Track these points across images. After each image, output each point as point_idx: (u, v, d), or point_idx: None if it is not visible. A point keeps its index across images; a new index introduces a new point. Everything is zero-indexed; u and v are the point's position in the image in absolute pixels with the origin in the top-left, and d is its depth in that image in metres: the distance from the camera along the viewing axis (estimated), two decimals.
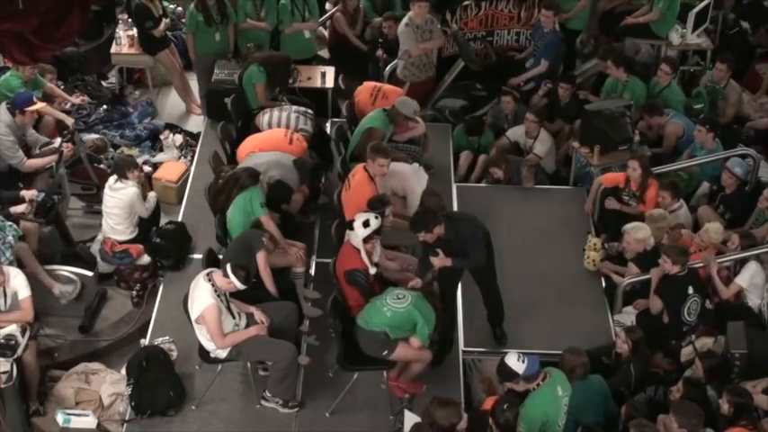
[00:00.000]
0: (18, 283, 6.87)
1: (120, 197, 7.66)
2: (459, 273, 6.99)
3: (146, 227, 7.92)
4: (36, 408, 6.97)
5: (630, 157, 8.17)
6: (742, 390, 6.25)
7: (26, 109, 8.12)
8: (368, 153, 7.44)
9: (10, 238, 7.21)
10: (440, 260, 6.67)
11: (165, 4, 10.52)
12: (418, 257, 7.38)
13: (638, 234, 7.51)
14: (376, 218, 6.75)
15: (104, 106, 10.03)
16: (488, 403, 5.93)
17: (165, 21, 9.93)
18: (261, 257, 6.77)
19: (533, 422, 5.79)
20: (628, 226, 7.61)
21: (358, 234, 6.66)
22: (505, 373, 5.89)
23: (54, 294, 7.40)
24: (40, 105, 8.28)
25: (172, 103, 10.56)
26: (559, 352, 6.56)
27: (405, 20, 9.45)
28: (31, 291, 6.92)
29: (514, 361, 5.85)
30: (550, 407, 5.85)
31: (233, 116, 8.75)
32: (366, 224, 6.66)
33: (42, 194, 7.65)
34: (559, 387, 5.94)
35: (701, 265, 7.42)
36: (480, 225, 6.86)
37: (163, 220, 8.24)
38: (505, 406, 5.70)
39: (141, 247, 7.78)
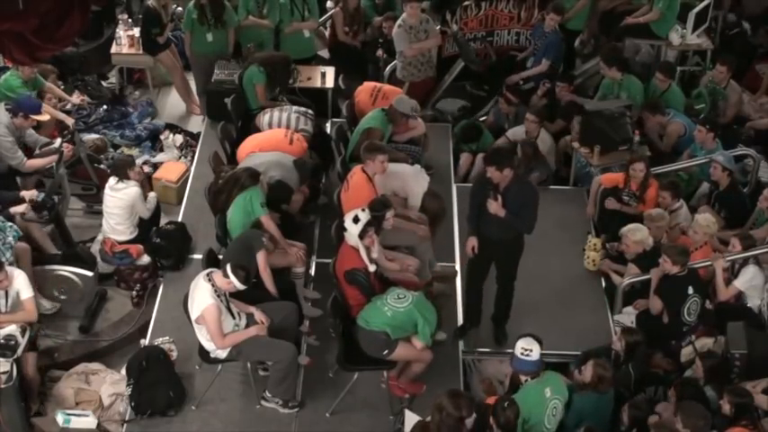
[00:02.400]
0: (20, 283, 6.87)
1: (121, 197, 7.66)
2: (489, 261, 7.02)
3: (146, 227, 7.92)
4: (37, 409, 6.96)
5: (635, 159, 8.15)
6: (742, 390, 6.25)
7: (32, 116, 8.12)
8: (363, 154, 7.43)
9: (10, 238, 7.21)
10: (496, 206, 6.56)
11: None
12: (419, 258, 7.40)
13: (635, 236, 7.52)
14: (363, 210, 6.74)
15: (104, 106, 10.04)
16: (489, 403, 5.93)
17: (169, 25, 9.94)
18: (261, 258, 6.77)
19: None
20: (626, 228, 7.61)
21: (352, 233, 6.66)
22: (515, 353, 6.04)
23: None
24: (45, 117, 8.29)
25: (172, 103, 10.57)
26: (559, 352, 6.58)
27: (398, 21, 9.45)
28: (33, 291, 6.94)
29: (521, 346, 5.97)
30: (534, 405, 5.88)
31: (233, 116, 8.75)
32: (356, 220, 6.65)
33: (42, 195, 7.64)
34: (549, 388, 5.95)
35: (702, 265, 7.42)
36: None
37: (163, 221, 8.24)
38: (506, 404, 5.71)
39: (141, 247, 7.78)
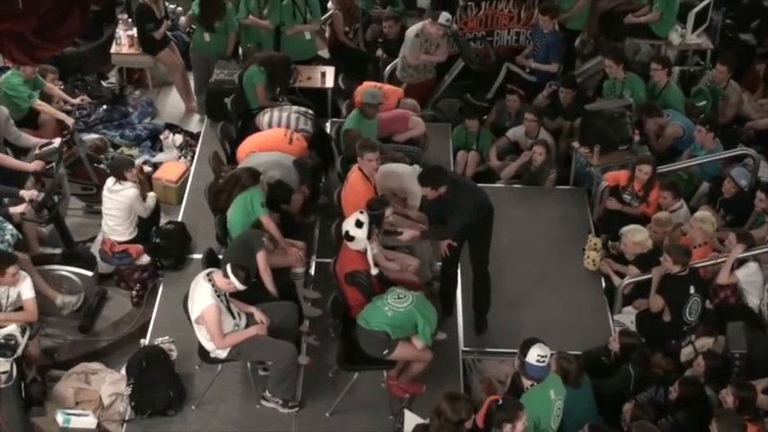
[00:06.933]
0: (24, 284, 6.90)
1: (119, 199, 7.64)
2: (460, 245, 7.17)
3: (146, 227, 7.92)
4: (33, 376, 6.94)
5: (643, 161, 8.14)
6: (747, 384, 6.26)
7: None
8: (357, 152, 7.45)
9: (8, 236, 7.22)
10: (408, 233, 7.03)
11: (166, 4, 10.54)
12: (418, 258, 7.40)
13: (635, 237, 7.53)
14: (361, 212, 6.74)
15: (104, 106, 10.05)
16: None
17: (166, 22, 9.95)
18: (261, 257, 6.77)
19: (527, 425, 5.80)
20: (626, 228, 7.62)
21: (359, 237, 6.65)
22: (522, 348, 5.97)
23: (56, 305, 7.42)
24: None
25: (172, 103, 10.57)
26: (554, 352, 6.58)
27: (416, 29, 9.44)
28: (35, 292, 6.95)
29: (536, 353, 5.87)
30: (541, 409, 5.85)
31: (233, 116, 8.75)
32: (359, 224, 6.65)
33: (42, 194, 7.64)
34: (552, 390, 5.93)
35: (702, 264, 7.43)
36: (481, 199, 6.95)
37: (163, 220, 8.24)
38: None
39: (141, 247, 7.77)
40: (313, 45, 10.24)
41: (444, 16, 9.32)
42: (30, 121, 8.84)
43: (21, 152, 8.47)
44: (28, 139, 8.48)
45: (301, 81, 9.50)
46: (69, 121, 8.78)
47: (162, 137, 9.76)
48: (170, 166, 9.16)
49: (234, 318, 6.46)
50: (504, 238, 7.81)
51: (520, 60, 10.02)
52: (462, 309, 7.56)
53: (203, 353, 6.63)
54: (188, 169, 9.13)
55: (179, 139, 9.70)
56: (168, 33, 10.14)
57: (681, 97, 9.39)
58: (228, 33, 9.76)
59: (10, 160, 8.24)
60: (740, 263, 7.49)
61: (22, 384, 6.69)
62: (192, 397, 6.88)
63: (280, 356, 6.52)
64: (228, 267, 6.27)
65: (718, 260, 7.49)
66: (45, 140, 8.49)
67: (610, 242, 8.01)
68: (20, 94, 8.69)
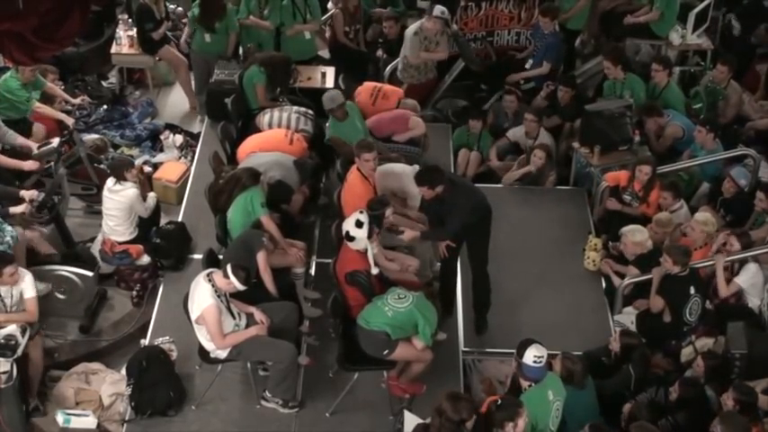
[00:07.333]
0: (26, 283, 6.90)
1: (119, 199, 7.64)
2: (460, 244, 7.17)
3: (146, 227, 7.92)
4: (35, 404, 6.96)
5: (643, 161, 8.14)
6: (748, 388, 6.25)
7: None
8: (354, 152, 7.45)
9: (8, 238, 7.22)
10: (408, 234, 7.10)
11: (166, 4, 10.53)
12: (419, 258, 7.41)
13: (635, 237, 7.53)
14: (361, 212, 6.74)
15: (105, 106, 10.05)
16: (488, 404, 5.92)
17: (165, 23, 9.94)
18: (261, 258, 6.77)
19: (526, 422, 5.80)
20: (626, 229, 7.62)
21: (360, 237, 6.64)
22: (518, 350, 5.95)
23: None
24: None
25: (172, 103, 10.57)
26: (559, 352, 6.58)
27: (415, 27, 9.45)
28: (35, 292, 6.94)
29: (533, 354, 5.85)
30: (539, 410, 5.84)
31: (233, 116, 8.75)
32: (359, 224, 6.65)
33: (42, 194, 7.64)
34: (551, 391, 5.93)
35: (703, 265, 7.42)
36: (479, 200, 6.96)
37: (163, 221, 8.24)
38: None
39: (141, 247, 7.77)
40: (313, 45, 10.24)
41: (439, 9, 9.29)
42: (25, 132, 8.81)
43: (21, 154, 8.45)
44: (15, 137, 8.45)
45: (301, 81, 9.50)
46: (69, 120, 8.77)
47: (162, 137, 9.76)
48: (170, 167, 9.16)
49: (234, 318, 6.46)
50: (504, 239, 7.82)
51: (511, 79, 9.94)
52: (462, 309, 7.56)
53: (203, 353, 6.63)
54: (188, 169, 9.13)
55: (179, 139, 9.70)
56: (168, 33, 10.14)
57: (681, 98, 9.38)
58: (229, 34, 9.76)
59: (6, 160, 8.24)
60: (739, 264, 7.49)
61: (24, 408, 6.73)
62: (192, 397, 6.88)
63: (280, 356, 6.52)
64: (229, 267, 6.27)
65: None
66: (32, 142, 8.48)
67: (610, 242, 8.01)
68: (18, 98, 8.65)
